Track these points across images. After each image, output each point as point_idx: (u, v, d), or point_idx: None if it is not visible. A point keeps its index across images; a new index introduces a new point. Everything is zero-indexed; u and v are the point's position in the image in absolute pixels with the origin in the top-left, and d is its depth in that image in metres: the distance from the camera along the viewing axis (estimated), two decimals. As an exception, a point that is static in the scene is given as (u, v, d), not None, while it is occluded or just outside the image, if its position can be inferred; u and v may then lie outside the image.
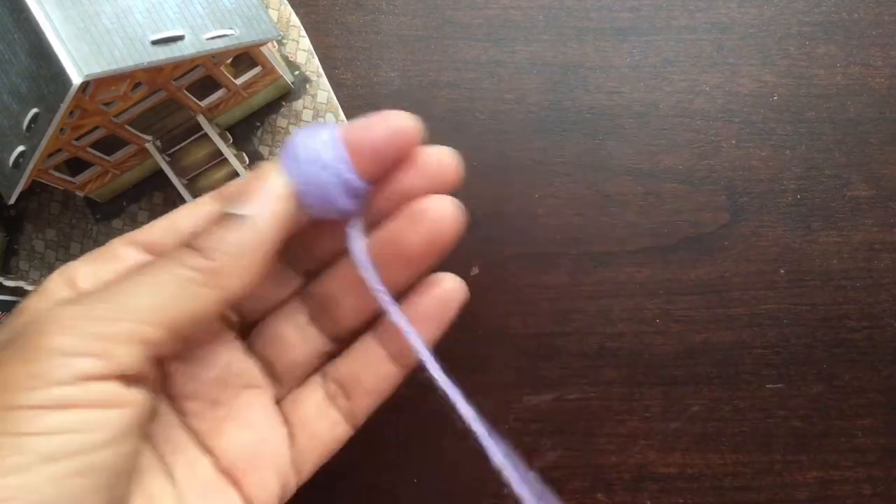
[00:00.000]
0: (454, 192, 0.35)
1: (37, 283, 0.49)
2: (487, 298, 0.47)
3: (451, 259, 0.47)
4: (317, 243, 0.33)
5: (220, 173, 0.48)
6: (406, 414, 0.44)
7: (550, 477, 0.45)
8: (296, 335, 0.34)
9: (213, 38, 0.40)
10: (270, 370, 0.34)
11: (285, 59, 0.50)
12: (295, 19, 0.50)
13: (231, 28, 0.41)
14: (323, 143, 0.30)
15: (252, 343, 0.34)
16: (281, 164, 0.30)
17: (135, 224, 0.50)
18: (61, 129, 0.39)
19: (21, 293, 0.50)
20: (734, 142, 0.47)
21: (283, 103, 0.50)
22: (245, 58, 0.46)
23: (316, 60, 0.50)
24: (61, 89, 0.35)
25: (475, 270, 0.46)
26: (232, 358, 0.32)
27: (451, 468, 0.46)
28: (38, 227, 0.50)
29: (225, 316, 0.33)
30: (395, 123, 0.31)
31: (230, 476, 0.31)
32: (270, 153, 0.50)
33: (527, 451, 0.44)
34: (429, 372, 0.31)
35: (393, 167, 0.32)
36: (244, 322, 0.34)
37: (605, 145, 0.48)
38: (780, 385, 0.46)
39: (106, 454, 0.24)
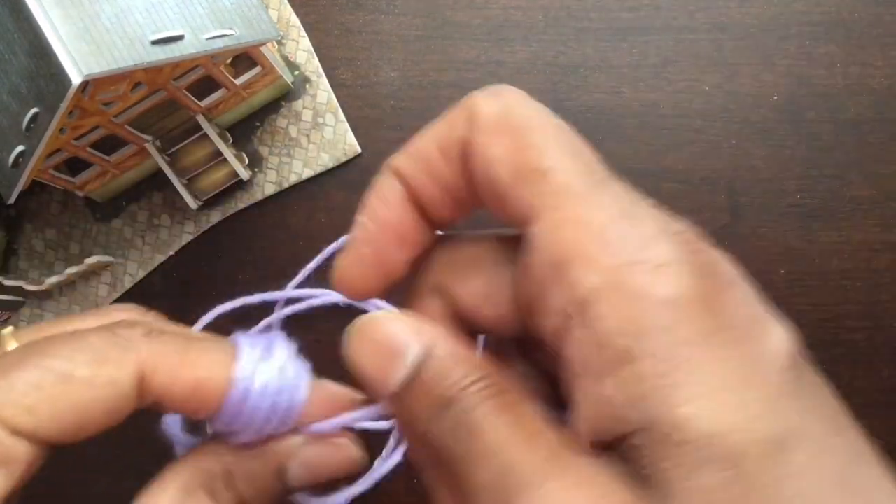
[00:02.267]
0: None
1: (36, 282, 0.49)
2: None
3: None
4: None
5: (220, 173, 0.48)
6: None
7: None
8: None
9: (212, 38, 0.40)
10: None
11: (285, 59, 0.50)
12: (295, 19, 0.50)
13: (231, 28, 0.41)
14: (286, 402, 0.24)
15: None
16: (240, 369, 0.24)
17: (135, 224, 0.50)
18: (61, 129, 0.39)
19: (21, 292, 0.50)
20: (734, 142, 0.47)
21: (283, 103, 0.50)
22: (245, 58, 0.46)
23: (316, 60, 0.50)
24: (61, 89, 0.35)
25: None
26: None
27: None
28: (38, 227, 0.50)
29: None
30: (351, 400, 0.26)
31: None
32: (270, 153, 0.50)
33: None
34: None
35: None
36: None
37: (605, 145, 0.48)
38: (780, 385, 0.45)
39: None
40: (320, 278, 0.47)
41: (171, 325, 0.26)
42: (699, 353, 0.18)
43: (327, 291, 0.47)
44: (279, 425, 0.24)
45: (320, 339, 0.47)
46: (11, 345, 0.25)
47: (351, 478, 0.45)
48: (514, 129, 0.21)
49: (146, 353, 0.23)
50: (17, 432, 0.22)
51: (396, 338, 0.22)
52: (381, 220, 0.24)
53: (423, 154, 0.23)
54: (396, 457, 0.46)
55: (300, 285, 0.48)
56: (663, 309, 0.18)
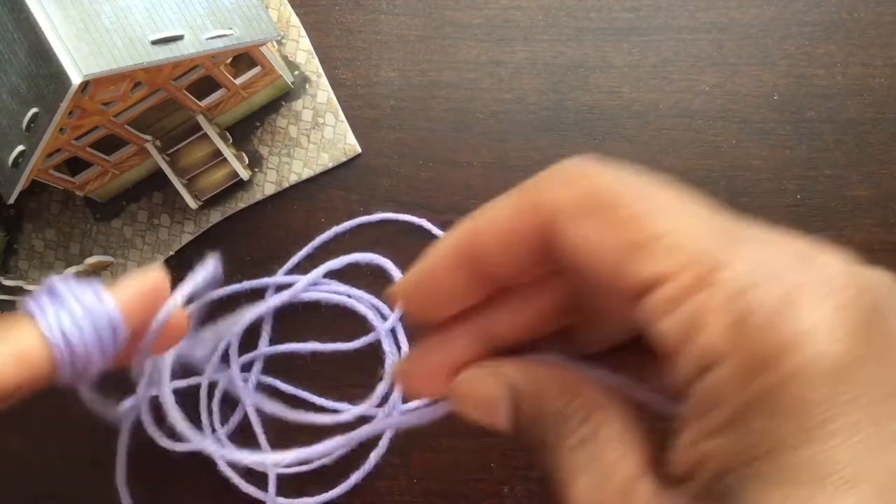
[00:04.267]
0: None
1: (36, 282, 0.49)
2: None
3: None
4: None
5: (220, 173, 0.48)
6: (406, 414, 0.44)
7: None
8: None
9: (212, 38, 0.40)
10: None
11: (285, 59, 0.50)
12: (295, 19, 0.50)
13: (231, 28, 0.41)
14: (101, 321, 0.25)
15: None
16: (42, 323, 0.25)
17: (135, 224, 0.50)
18: (61, 129, 0.39)
19: (21, 292, 0.50)
20: (734, 142, 0.47)
21: (283, 103, 0.50)
22: (245, 58, 0.46)
23: (316, 60, 0.50)
24: (61, 89, 0.35)
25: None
26: None
27: (450, 468, 0.46)
28: (38, 227, 0.50)
29: None
30: (152, 281, 0.26)
31: None
32: (270, 153, 0.50)
33: (527, 452, 0.44)
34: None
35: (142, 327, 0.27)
36: None
37: (605, 145, 0.48)
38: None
39: None
40: (309, 267, 0.47)
41: None
42: (858, 445, 0.16)
43: (327, 281, 0.47)
44: (113, 339, 0.25)
45: (312, 328, 0.47)
46: None
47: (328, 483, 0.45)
48: (602, 208, 0.19)
49: None
50: None
51: (486, 392, 0.22)
52: (437, 283, 0.23)
53: (493, 235, 0.21)
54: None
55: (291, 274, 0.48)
56: (800, 378, 0.16)
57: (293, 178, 0.49)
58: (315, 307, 0.48)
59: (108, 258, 0.49)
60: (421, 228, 0.47)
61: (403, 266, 0.47)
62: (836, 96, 0.47)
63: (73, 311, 0.25)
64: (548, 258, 0.20)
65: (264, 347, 0.47)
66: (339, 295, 0.47)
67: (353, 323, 0.47)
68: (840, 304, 0.17)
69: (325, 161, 0.49)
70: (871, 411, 0.16)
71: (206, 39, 0.40)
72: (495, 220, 0.21)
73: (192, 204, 0.48)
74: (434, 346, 0.23)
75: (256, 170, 0.49)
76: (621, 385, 0.23)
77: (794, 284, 0.17)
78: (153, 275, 0.26)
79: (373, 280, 0.47)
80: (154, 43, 0.38)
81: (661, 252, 0.18)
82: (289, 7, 0.50)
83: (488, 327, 0.23)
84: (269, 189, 0.49)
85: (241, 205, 0.49)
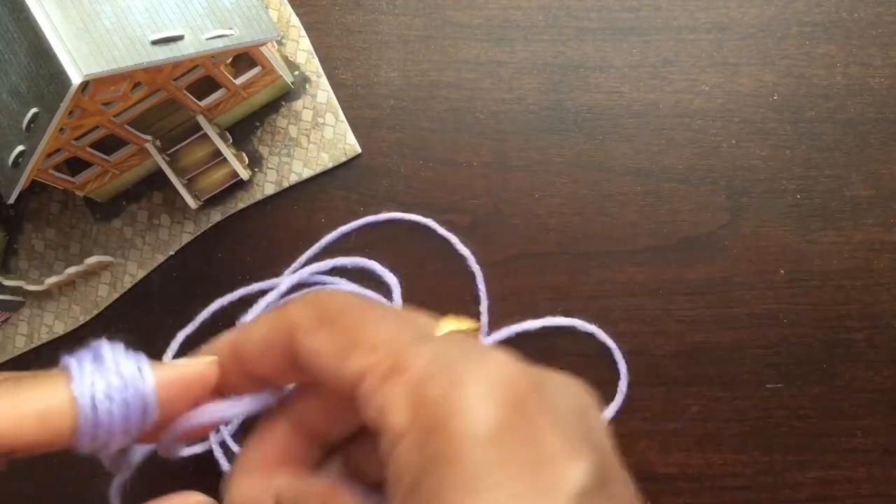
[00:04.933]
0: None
1: (36, 282, 0.49)
2: (488, 298, 0.47)
3: (454, 262, 0.47)
4: None
5: (220, 173, 0.48)
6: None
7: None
8: None
9: (212, 38, 0.40)
10: None
11: (285, 59, 0.50)
12: (295, 19, 0.50)
13: (231, 28, 0.41)
14: (136, 397, 0.24)
15: None
16: (76, 386, 0.24)
17: (135, 224, 0.50)
18: (61, 129, 0.39)
19: (21, 292, 0.50)
20: (734, 142, 0.47)
21: (283, 103, 0.50)
22: (245, 58, 0.46)
23: (316, 60, 0.50)
24: (61, 89, 0.35)
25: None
26: None
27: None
28: (38, 227, 0.50)
29: None
30: (199, 372, 0.27)
31: None
32: (270, 153, 0.50)
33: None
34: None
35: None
36: None
37: (605, 145, 0.48)
38: (780, 385, 0.45)
39: None
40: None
41: None
42: (491, 485, 0.19)
43: (334, 279, 0.47)
44: (142, 419, 0.24)
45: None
46: None
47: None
48: (328, 322, 0.23)
49: None
50: None
51: (254, 496, 0.25)
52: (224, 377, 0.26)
53: (256, 344, 0.25)
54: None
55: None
56: (461, 442, 0.20)
57: (293, 178, 0.49)
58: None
59: (108, 258, 0.49)
60: (426, 227, 0.47)
61: (398, 267, 0.47)
62: (836, 96, 0.47)
63: (109, 381, 0.24)
64: (295, 365, 0.24)
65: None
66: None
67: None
68: (493, 388, 0.20)
69: (325, 161, 0.49)
70: (521, 472, 0.19)
71: (206, 39, 0.40)
72: (254, 333, 0.25)
73: (192, 204, 0.48)
74: (254, 446, 0.26)
75: (256, 170, 0.49)
76: None
77: (460, 373, 0.21)
78: (203, 365, 0.26)
79: (363, 282, 0.48)
80: (154, 43, 0.38)
81: (363, 352, 0.22)
82: (289, 7, 0.50)
83: (300, 417, 0.26)
84: (269, 189, 0.49)
85: (241, 205, 0.49)
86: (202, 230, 0.49)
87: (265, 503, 0.25)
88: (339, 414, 0.26)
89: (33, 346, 0.50)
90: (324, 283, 0.48)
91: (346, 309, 0.24)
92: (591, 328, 0.46)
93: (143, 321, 0.49)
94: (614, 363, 0.46)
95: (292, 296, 0.47)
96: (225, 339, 0.26)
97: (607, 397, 0.46)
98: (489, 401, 0.20)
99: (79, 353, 0.25)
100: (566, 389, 0.23)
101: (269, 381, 0.26)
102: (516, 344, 0.46)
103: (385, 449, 0.21)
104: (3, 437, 0.23)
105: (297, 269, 0.48)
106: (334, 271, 0.48)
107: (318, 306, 0.24)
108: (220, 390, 0.26)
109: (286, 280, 0.47)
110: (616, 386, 0.46)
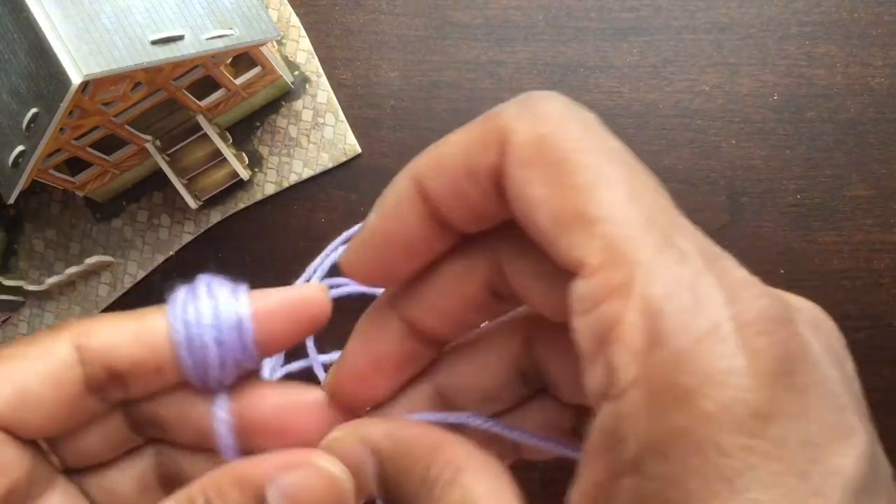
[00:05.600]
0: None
1: (36, 282, 0.49)
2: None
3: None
4: (166, 412, 0.26)
5: (220, 173, 0.48)
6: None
7: (551, 477, 0.45)
8: (138, 495, 0.27)
9: (212, 38, 0.40)
10: None
11: (285, 59, 0.50)
12: (295, 19, 0.50)
13: (231, 28, 0.41)
14: (227, 309, 0.24)
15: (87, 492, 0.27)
16: (170, 309, 0.24)
17: (135, 224, 0.50)
18: (61, 129, 0.39)
19: (21, 292, 0.50)
20: (734, 142, 0.47)
21: (283, 103, 0.50)
22: (245, 58, 0.46)
23: (316, 60, 0.50)
24: (61, 89, 0.35)
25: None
26: None
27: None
28: (38, 227, 0.50)
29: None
30: (309, 301, 0.25)
31: None
32: (270, 153, 0.50)
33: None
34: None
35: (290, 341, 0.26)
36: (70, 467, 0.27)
37: (605, 145, 0.48)
38: (780, 385, 0.45)
39: None
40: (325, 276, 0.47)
41: None
42: (751, 479, 0.15)
43: (346, 280, 0.47)
44: (240, 343, 0.24)
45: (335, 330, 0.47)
46: None
47: None
48: (554, 163, 0.17)
49: (78, 323, 0.23)
50: None
51: (350, 459, 0.22)
52: (393, 232, 0.22)
53: (448, 170, 0.20)
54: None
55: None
56: (715, 422, 0.15)
57: (293, 178, 0.49)
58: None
59: (108, 258, 0.49)
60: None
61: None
62: (836, 96, 0.47)
63: (201, 302, 0.25)
64: (499, 202, 0.19)
65: (315, 356, 0.46)
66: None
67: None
68: (764, 347, 0.15)
69: (325, 161, 0.49)
70: (792, 462, 0.15)
71: (206, 39, 0.40)
72: (452, 153, 0.20)
73: (192, 204, 0.48)
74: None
75: (256, 170, 0.49)
76: (522, 438, 0.23)
77: (717, 318, 0.15)
78: (312, 290, 0.24)
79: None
80: (154, 43, 0.38)
81: (590, 238, 0.17)
82: (289, 7, 0.50)
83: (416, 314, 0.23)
84: (270, 189, 0.49)
85: (241, 205, 0.49)
86: (202, 230, 0.49)
87: (361, 456, 0.22)
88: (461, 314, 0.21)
89: (33, 346, 0.50)
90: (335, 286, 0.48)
91: (577, 148, 0.18)
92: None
93: (143, 321, 0.49)
94: (614, 363, 0.46)
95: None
96: (413, 169, 0.21)
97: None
98: (758, 369, 0.15)
99: (178, 289, 0.25)
100: (822, 328, 0.18)
101: (460, 228, 0.21)
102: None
103: (595, 389, 0.16)
104: (98, 349, 0.23)
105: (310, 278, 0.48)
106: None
107: (542, 127, 0.18)
108: (397, 249, 0.21)
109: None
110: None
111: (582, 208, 0.17)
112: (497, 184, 0.19)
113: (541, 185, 0.17)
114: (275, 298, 0.25)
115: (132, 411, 0.25)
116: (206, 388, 0.25)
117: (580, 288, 0.17)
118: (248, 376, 0.25)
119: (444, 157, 0.20)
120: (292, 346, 0.26)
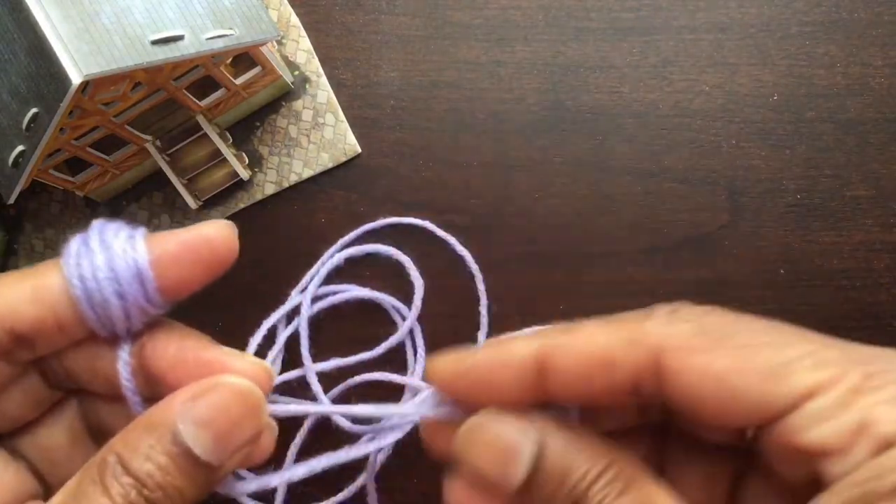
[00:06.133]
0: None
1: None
2: (488, 298, 0.47)
3: (454, 262, 0.47)
4: (77, 365, 0.26)
5: (220, 173, 0.48)
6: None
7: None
8: (70, 447, 0.27)
9: (212, 38, 0.40)
10: (42, 481, 0.27)
11: (285, 59, 0.50)
12: (295, 19, 0.50)
13: (231, 28, 0.41)
14: (124, 260, 0.24)
15: (17, 453, 0.27)
16: (65, 264, 0.24)
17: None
18: (61, 129, 0.39)
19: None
20: (734, 142, 0.47)
21: (283, 103, 0.50)
22: (245, 58, 0.46)
23: (316, 60, 0.50)
24: (61, 89, 0.35)
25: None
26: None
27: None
28: (38, 227, 0.50)
29: None
30: (211, 240, 0.25)
31: None
32: (270, 153, 0.50)
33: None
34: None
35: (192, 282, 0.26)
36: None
37: (605, 145, 0.48)
38: (780, 385, 0.45)
39: None
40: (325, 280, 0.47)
41: None
42: None
43: (348, 286, 0.47)
44: (141, 288, 0.24)
45: (342, 335, 0.47)
46: None
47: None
48: (724, 339, 0.21)
49: None
50: None
51: (509, 437, 0.21)
52: (494, 379, 0.23)
53: (583, 355, 0.22)
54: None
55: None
56: None
57: (293, 178, 0.49)
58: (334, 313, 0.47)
59: (108, 258, 0.49)
60: (425, 228, 0.47)
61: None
62: (836, 96, 0.47)
63: (95, 255, 0.24)
64: (635, 392, 0.21)
65: (309, 364, 0.46)
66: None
67: (378, 320, 0.47)
68: None
69: (325, 161, 0.49)
70: None
71: (207, 39, 0.40)
72: (589, 344, 0.22)
73: (192, 204, 0.48)
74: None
75: (256, 170, 0.49)
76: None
77: None
78: (210, 229, 0.24)
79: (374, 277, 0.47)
80: (154, 43, 0.38)
81: (808, 369, 0.20)
82: (289, 7, 0.50)
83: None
84: (270, 189, 0.49)
85: (241, 205, 0.49)
86: (202, 230, 0.49)
87: (522, 446, 0.22)
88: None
89: (33, 346, 0.50)
90: (333, 293, 0.47)
91: (732, 324, 0.21)
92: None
93: (143, 321, 0.49)
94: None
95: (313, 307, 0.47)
96: (541, 342, 0.22)
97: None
98: None
99: (72, 237, 0.25)
100: None
101: (566, 401, 0.23)
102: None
103: (858, 460, 0.19)
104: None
105: (315, 278, 0.47)
106: (363, 262, 0.47)
107: (693, 322, 0.22)
108: (489, 392, 0.23)
109: (297, 298, 0.47)
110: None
111: (778, 358, 0.20)
112: (634, 379, 0.21)
113: (717, 361, 0.20)
114: (175, 241, 0.24)
115: (45, 368, 0.25)
116: (114, 338, 0.25)
117: (813, 406, 0.19)
118: (157, 320, 0.25)
119: (582, 345, 0.22)
120: (201, 287, 0.26)
